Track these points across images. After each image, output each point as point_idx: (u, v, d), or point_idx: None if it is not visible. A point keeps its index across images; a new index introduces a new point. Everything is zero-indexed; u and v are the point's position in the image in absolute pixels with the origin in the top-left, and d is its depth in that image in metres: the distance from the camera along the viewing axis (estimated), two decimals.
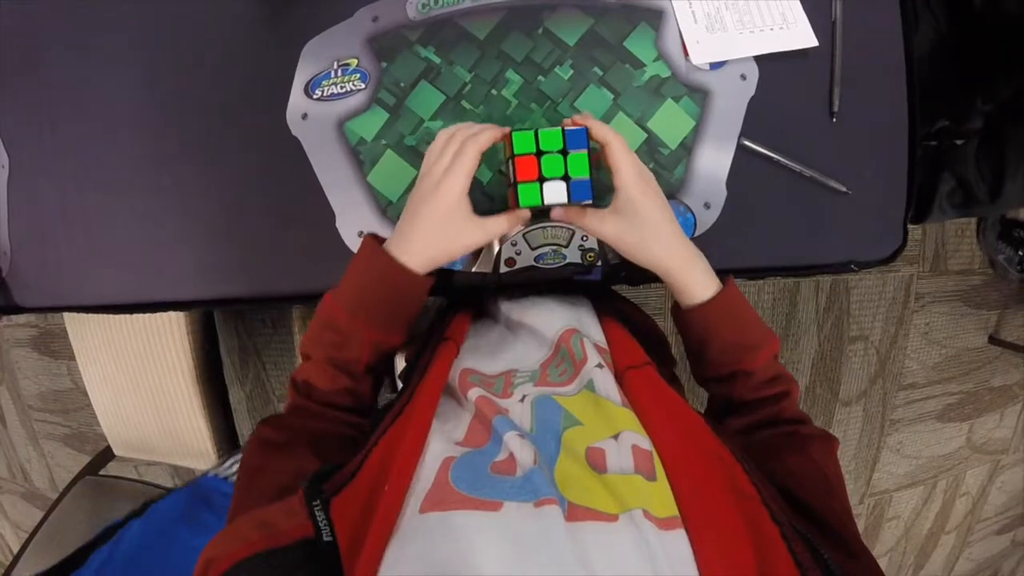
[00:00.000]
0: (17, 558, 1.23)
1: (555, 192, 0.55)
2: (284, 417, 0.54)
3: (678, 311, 0.57)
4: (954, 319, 1.87)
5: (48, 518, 1.27)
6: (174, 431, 1.25)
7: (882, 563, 2.09)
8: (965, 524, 2.16)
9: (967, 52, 1.08)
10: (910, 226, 0.75)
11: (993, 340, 1.92)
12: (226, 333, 1.76)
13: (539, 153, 0.54)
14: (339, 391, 0.54)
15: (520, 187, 0.55)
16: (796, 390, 0.55)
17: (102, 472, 1.37)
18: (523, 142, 0.54)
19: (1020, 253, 1.72)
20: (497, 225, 0.55)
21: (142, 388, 1.22)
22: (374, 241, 0.55)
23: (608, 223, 0.54)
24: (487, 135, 0.53)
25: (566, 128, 0.55)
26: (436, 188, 0.51)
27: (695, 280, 0.54)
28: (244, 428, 1.81)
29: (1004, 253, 1.76)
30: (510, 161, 0.55)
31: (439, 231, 0.52)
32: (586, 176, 0.55)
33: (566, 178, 0.55)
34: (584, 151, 0.55)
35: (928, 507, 2.09)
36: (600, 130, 0.53)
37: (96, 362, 1.25)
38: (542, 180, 0.55)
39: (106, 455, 1.38)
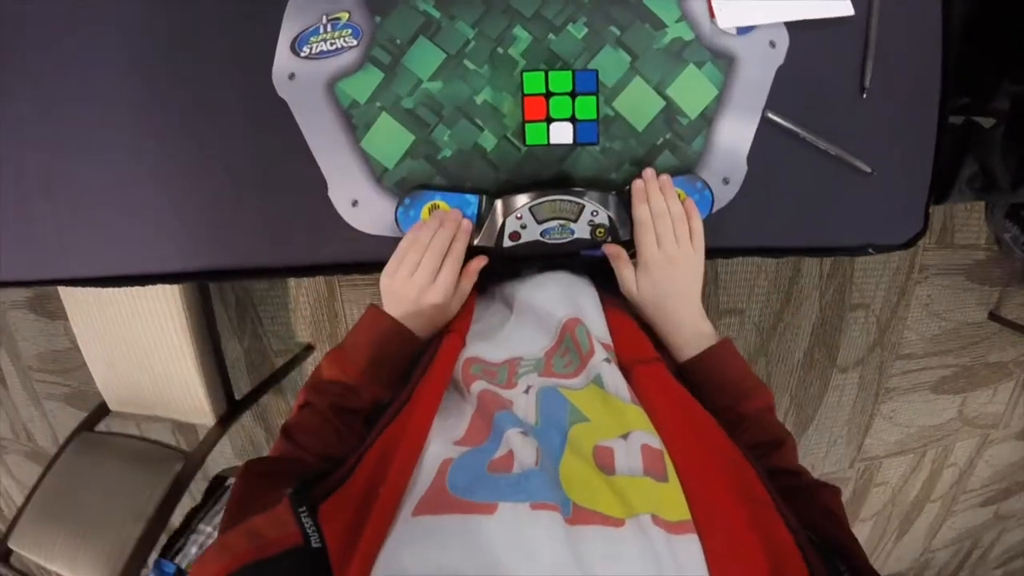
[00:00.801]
0: (19, 515, 1.26)
1: (561, 133, 0.58)
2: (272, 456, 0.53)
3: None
4: (956, 293, 1.87)
5: (46, 475, 1.29)
6: (168, 386, 1.24)
7: (866, 526, 2.16)
8: (950, 494, 2.21)
9: (999, 31, 1.03)
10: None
11: (993, 317, 1.92)
12: (221, 286, 1.73)
13: (548, 95, 0.57)
14: (329, 433, 0.53)
15: (527, 127, 0.58)
16: (792, 447, 0.53)
17: (100, 428, 1.38)
18: (533, 82, 0.57)
19: None
20: (464, 288, 0.61)
21: (135, 343, 1.21)
22: (380, 312, 0.58)
23: (622, 266, 0.61)
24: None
25: (576, 71, 0.57)
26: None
27: (683, 343, 0.57)
28: (241, 383, 1.80)
29: (1010, 232, 1.74)
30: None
31: (438, 321, 0.59)
32: (593, 118, 0.57)
33: (573, 120, 0.57)
34: (593, 95, 0.57)
35: (916, 475, 2.14)
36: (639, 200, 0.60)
37: (88, 318, 1.24)
38: (549, 121, 0.58)
39: (102, 411, 1.38)
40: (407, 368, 0.57)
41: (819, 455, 2.01)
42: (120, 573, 1.13)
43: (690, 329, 0.57)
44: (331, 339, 1.72)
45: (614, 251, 0.61)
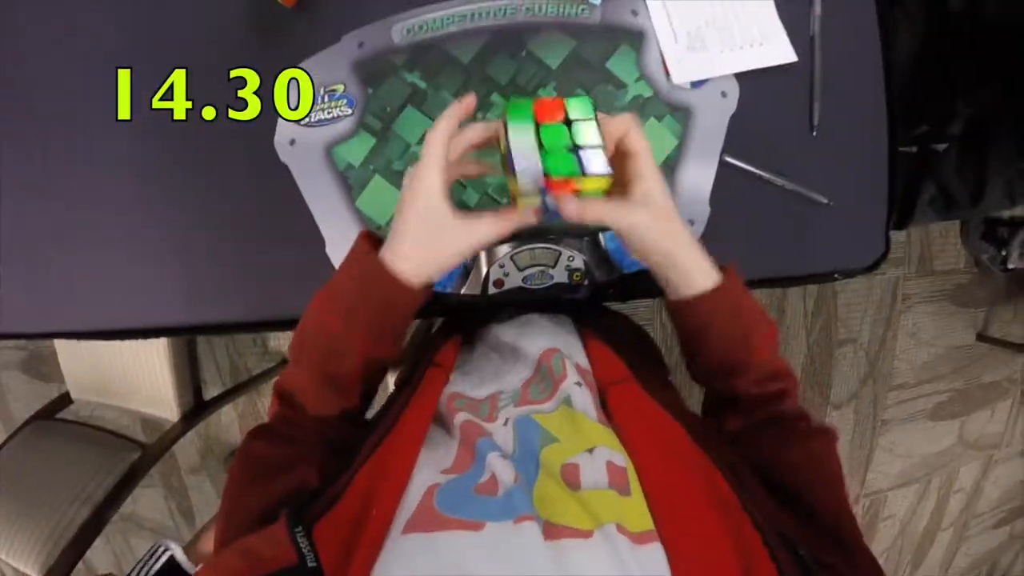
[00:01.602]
0: None
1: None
2: (273, 427, 0.52)
3: (678, 304, 0.52)
4: (942, 318, 1.90)
5: None
6: (136, 374, 1.22)
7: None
8: (961, 520, 2.18)
9: (947, 58, 1.09)
10: (893, 231, 0.76)
11: (981, 337, 1.94)
12: (213, 350, 1.76)
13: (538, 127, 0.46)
14: (328, 406, 0.53)
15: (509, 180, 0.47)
16: (796, 386, 0.54)
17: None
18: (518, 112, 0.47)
19: (1003, 252, 1.74)
20: (488, 226, 0.48)
21: None
22: (368, 243, 0.51)
23: (626, 212, 0.48)
24: (443, 121, 0.47)
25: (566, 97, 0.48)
26: (409, 188, 0.48)
27: (699, 266, 0.51)
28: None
29: (987, 252, 1.79)
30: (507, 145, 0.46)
31: (425, 236, 0.48)
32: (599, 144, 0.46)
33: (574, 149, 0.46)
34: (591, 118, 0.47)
35: (923, 505, 2.11)
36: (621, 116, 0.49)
37: None
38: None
39: (63, 401, 1.36)
40: (405, 323, 0.53)
41: None
42: (59, 556, 1.08)
43: (691, 243, 0.51)
44: None
45: (574, 209, 0.47)
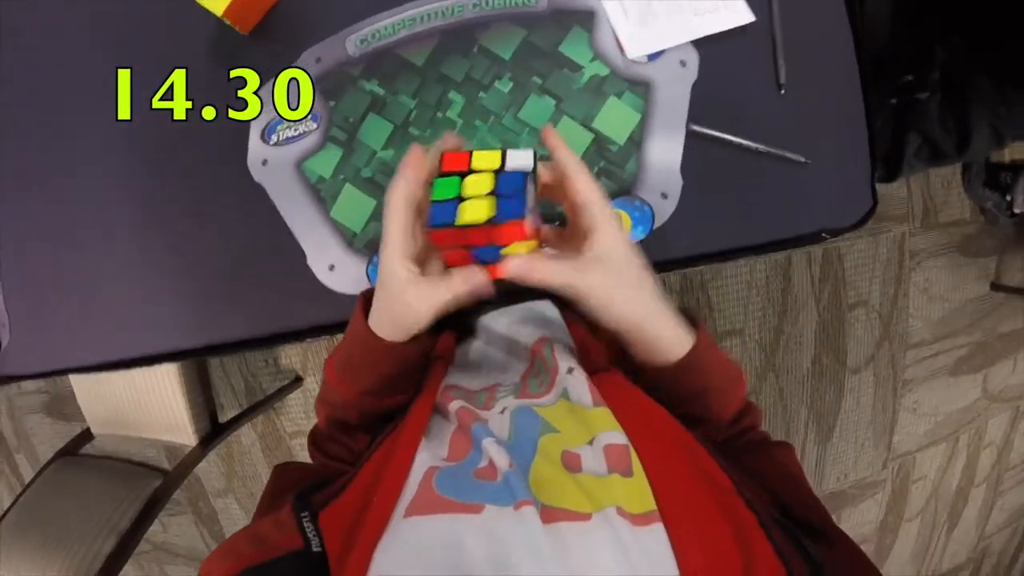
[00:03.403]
0: None
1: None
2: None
3: (645, 368, 0.48)
4: (953, 271, 1.86)
5: (20, 496, 1.28)
6: (151, 404, 1.25)
7: (914, 525, 2.07)
8: (994, 475, 2.13)
9: (919, 9, 1.08)
10: (894, 184, 0.74)
11: (995, 287, 1.90)
12: (228, 373, 1.78)
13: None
14: (339, 445, 0.55)
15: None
16: (760, 417, 0.54)
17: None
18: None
19: (1008, 198, 1.70)
20: (444, 292, 0.44)
21: None
22: (363, 301, 0.50)
23: (581, 272, 0.43)
24: (397, 192, 0.43)
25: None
26: (381, 264, 0.45)
27: (671, 335, 0.46)
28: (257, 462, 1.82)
29: (992, 199, 1.75)
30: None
31: (391, 307, 0.46)
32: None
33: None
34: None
35: (953, 463, 2.06)
36: (563, 154, 0.44)
37: None
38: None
39: (84, 437, 1.39)
40: (397, 374, 0.50)
41: (848, 462, 1.95)
42: None
43: (662, 308, 0.46)
44: None
45: (520, 266, 0.43)
